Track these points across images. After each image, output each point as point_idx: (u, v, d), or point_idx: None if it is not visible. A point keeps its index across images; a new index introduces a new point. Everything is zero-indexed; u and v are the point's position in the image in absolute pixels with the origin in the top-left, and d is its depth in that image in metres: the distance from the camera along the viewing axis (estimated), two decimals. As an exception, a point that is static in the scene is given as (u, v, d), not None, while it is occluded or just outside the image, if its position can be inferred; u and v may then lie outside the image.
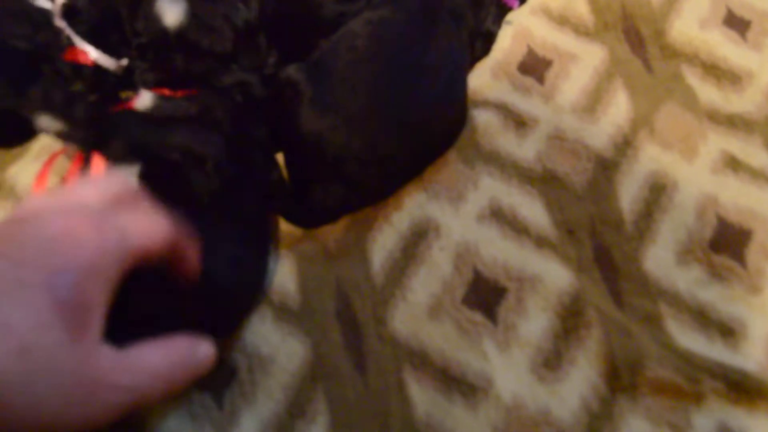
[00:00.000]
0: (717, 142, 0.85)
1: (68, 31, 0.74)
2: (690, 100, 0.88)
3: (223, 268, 0.65)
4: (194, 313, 0.60)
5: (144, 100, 0.71)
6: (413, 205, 0.79)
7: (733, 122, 0.86)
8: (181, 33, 0.73)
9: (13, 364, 0.39)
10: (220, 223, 0.67)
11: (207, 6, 0.75)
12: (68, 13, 0.76)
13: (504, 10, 0.93)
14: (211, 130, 0.71)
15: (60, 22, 0.75)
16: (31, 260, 0.42)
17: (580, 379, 0.70)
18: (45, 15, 0.75)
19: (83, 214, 0.45)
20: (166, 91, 0.72)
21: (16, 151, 0.84)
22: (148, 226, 0.48)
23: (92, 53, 0.75)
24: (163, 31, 0.73)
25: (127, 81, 0.77)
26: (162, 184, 0.60)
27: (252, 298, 0.72)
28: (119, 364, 0.44)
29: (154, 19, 0.73)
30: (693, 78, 0.90)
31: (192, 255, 0.53)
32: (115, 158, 0.66)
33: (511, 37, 0.92)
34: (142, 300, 0.50)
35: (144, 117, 0.71)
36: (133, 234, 0.46)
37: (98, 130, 0.71)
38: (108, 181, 0.50)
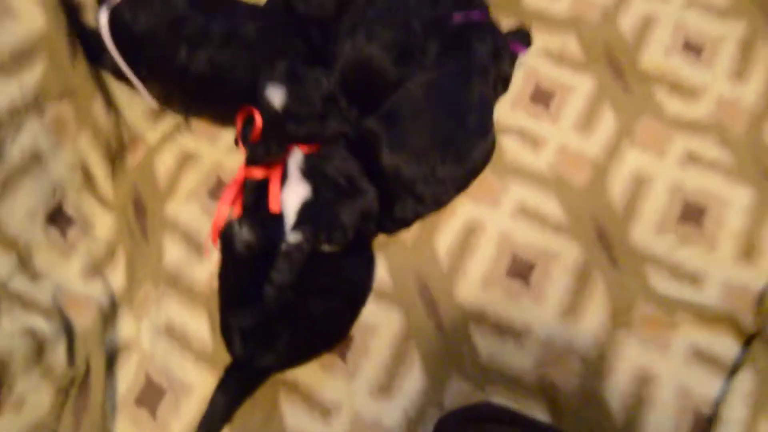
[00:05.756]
0: (681, 143, 1.15)
1: None
2: (660, 113, 1.18)
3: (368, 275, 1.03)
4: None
5: (297, 156, 1.05)
6: (463, 211, 1.11)
7: (693, 126, 1.16)
8: (286, 109, 1.04)
9: None
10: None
11: (300, 86, 1.06)
12: None
13: (515, 56, 1.23)
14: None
15: None
16: None
17: (592, 321, 1.01)
18: None
19: None
20: (305, 148, 1.05)
21: (163, 191, 1.18)
22: None
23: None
24: (275, 111, 1.04)
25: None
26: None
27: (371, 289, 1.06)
28: None
29: (266, 104, 1.04)
30: (662, 95, 1.20)
31: None
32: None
33: (522, 77, 1.23)
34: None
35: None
36: None
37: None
38: None
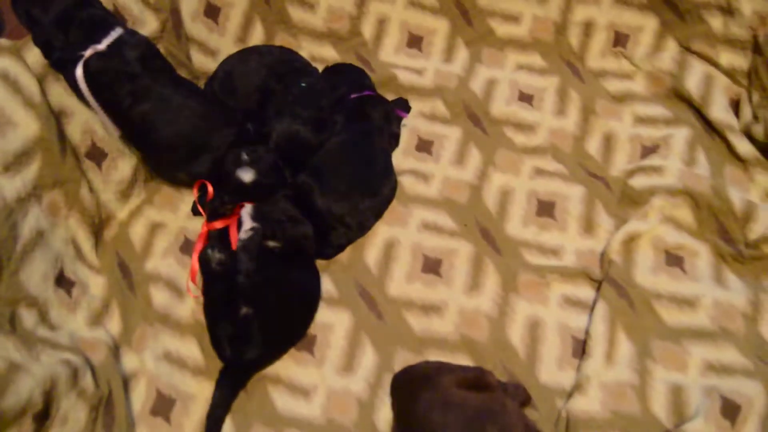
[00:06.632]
0: (529, 163, 1.57)
1: None
2: (511, 145, 1.61)
3: (316, 285, 1.34)
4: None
5: (247, 208, 1.38)
6: (382, 232, 1.46)
7: (535, 150, 1.60)
8: (253, 182, 1.38)
9: None
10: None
11: (261, 164, 1.40)
12: None
13: (400, 119, 1.64)
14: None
15: None
16: None
17: (490, 291, 1.38)
18: None
19: None
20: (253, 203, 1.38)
21: (141, 254, 1.46)
22: None
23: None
24: (244, 184, 1.38)
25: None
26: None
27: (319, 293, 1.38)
28: None
29: (236, 180, 1.38)
30: (510, 133, 1.63)
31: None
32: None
33: (407, 133, 1.63)
34: None
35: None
36: None
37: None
38: None
